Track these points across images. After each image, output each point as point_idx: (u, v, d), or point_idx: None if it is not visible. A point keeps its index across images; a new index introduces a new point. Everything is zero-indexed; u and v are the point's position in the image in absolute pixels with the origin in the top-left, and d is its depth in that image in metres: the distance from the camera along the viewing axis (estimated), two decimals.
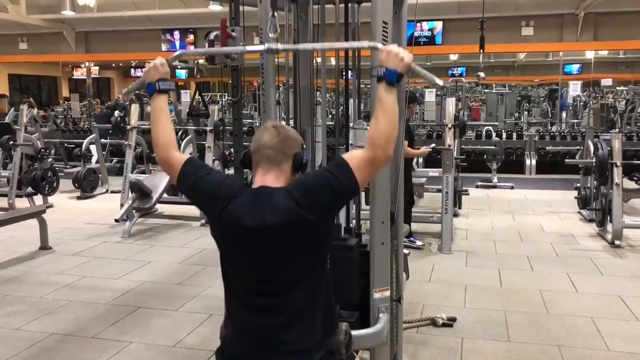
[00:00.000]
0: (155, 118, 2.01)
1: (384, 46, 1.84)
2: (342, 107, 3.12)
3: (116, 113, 10.20)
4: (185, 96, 13.33)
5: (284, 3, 2.84)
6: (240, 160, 1.97)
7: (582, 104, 14.73)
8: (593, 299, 4.62)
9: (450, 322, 4.09)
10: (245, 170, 1.93)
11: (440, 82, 2.01)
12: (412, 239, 6.02)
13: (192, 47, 15.69)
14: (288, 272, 1.78)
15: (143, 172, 9.57)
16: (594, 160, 6.84)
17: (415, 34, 12.69)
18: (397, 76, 1.77)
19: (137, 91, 16.14)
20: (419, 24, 13.58)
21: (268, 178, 1.81)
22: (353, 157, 1.79)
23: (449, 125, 6.57)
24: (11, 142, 8.20)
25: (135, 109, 8.63)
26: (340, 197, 1.83)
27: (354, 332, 2.16)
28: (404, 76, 1.83)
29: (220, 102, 15.43)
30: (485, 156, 10.54)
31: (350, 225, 2.97)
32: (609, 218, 6.42)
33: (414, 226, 6.20)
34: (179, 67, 24.35)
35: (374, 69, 1.83)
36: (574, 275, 5.18)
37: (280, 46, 2.09)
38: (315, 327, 1.81)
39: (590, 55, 17.40)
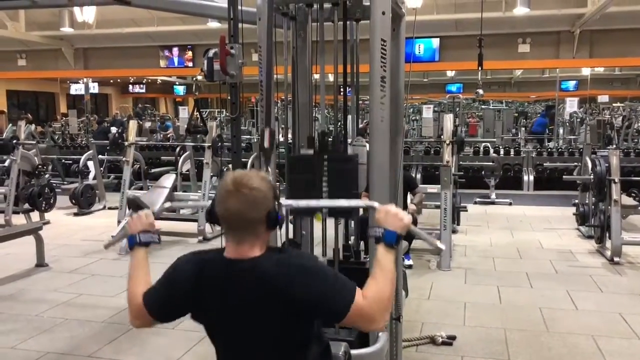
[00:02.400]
0: (132, 271, 1.90)
1: (382, 206, 1.80)
2: (340, 124, 3.11)
3: (113, 129, 10.21)
4: (184, 112, 13.39)
5: (282, 21, 2.85)
6: (207, 214, 1.84)
7: (578, 120, 14.79)
8: (593, 317, 4.59)
9: (449, 341, 4.06)
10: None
11: (442, 245, 1.94)
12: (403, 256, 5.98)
13: (190, 64, 15.76)
14: (273, 350, 1.70)
15: (141, 189, 9.54)
16: (592, 176, 6.84)
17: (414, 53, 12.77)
18: (397, 238, 1.72)
19: (136, 109, 16.19)
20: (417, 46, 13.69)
21: (243, 248, 1.68)
22: (361, 295, 1.65)
23: (447, 142, 6.58)
24: (15, 142, 8.14)
25: (133, 125, 8.63)
26: (324, 301, 1.64)
27: (353, 352, 2.13)
28: (402, 238, 1.77)
29: (219, 119, 15.47)
30: (483, 172, 10.55)
31: (349, 242, 2.95)
32: (607, 235, 6.40)
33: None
34: (177, 83, 24.48)
35: (372, 230, 1.77)
36: (573, 293, 5.16)
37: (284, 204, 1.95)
38: None
39: (586, 72, 17.54)
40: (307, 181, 2.68)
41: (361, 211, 3.03)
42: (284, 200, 2.17)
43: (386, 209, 1.77)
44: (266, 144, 2.60)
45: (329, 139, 2.76)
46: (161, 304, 1.79)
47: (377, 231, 1.74)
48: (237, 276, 1.66)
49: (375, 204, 1.89)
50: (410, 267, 5.83)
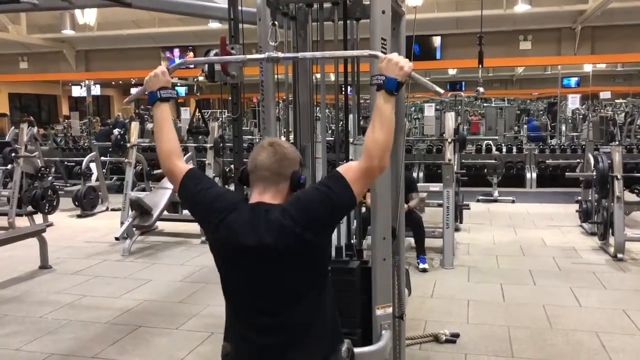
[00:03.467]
0: (158, 127, 2.01)
1: (384, 55, 1.84)
2: (341, 123, 3.11)
3: (115, 131, 10.22)
4: (185, 113, 13.38)
5: (283, 21, 2.85)
6: (238, 178, 1.95)
7: (581, 117, 14.75)
8: (597, 313, 4.59)
9: (453, 338, 4.06)
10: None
11: (441, 90, 2.02)
12: (418, 260, 5.95)
13: (191, 65, 15.74)
14: (286, 290, 1.76)
15: (143, 190, 9.55)
16: (594, 173, 6.83)
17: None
18: (397, 85, 1.77)
19: (138, 110, 16.24)
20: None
21: (265, 196, 1.79)
22: (348, 169, 1.78)
23: (449, 140, 6.58)
24: (13, 155, 8.17)
25: (135, 126, 8.64)
26: (338, 211, 1.81)
27: (357, 350, 2.14)
28: (404, 85, 1.83)
29: (220, 119, 15.48)
30: (485, 170, 10.54)
31: (352, 241, 2.95)
32: (610, 231, 6.39)
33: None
34: (178, 84, 24.47)
35: (374, 78, 1.83)
36: (577, 290, 5.15)
37: (280, 55, 2.09)
38: (317, 346, 1.78)
39: (588, 68, 17.48)
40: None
41: (363, 209, 3.04)
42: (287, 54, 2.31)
43: (388, 57, 1.81)
44: None
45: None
46: (193, 189, 1.89)
47: (378, 79, 1.79)
48: (254, 218, 1.74)
49: (378, 53, 1.93)
50: (425, 270, 5.78)
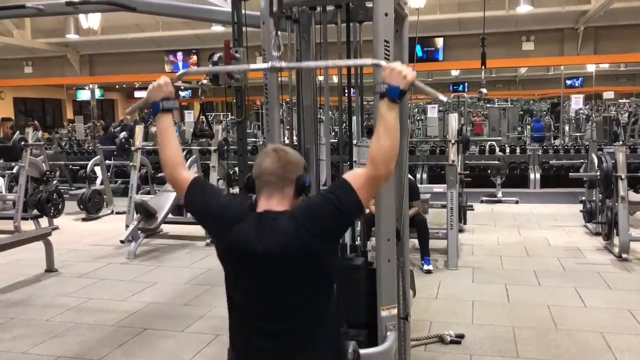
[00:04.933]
0: (161, 137, 2.03)
1: (387, 63, 1.86)
2: (345, 125, 3.13)
3: (122, 135, 10.24)
4: (189, 116, 13.40)
5: (286, 24, 2.87)
6: (244, 185, 1.96)
7: (584, 117, 14.72)
8: (602, 314, 4.58)
9: (458, 339, 4.06)
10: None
11: (444, 98, 2.03)
12: (422, 261, 5.95)
13: (194, 67, 15.78)
14: (293, 297, 1.77)
15: (148, 193, 9.59)
16: (598, 173, 6.82)
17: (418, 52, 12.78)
18: (400, 93, 1.78)
19: (142, 113, 16.28)
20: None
21: (271, 203, 1.80)
22: (354, 176, 1.80)
23: (452, 141, 6.58)
24: (24, 144, 8.21)
25: (139, 130, 8.67)
26: (346, 218, 1.82)
27: (362, 351, 2.15)
28: (407, 93, 1.85)
29: (224, 122, 15.50)
30: (489, 171, 10.53)
31: (356, 242, 2.97)
32: (615, 231, 6.38)
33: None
34: (182, 87, 24.51)
35: (377, 86, 1.85)
36: (581, 290, 5.15)
37: (283, 64, 2.11)
38: (323, 349, 1.80)
39: (591, 68, 17.44)
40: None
41: (367, 210, 3.05)
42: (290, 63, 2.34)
43: (391, 66, 1.82)
44: None
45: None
46: (199, 200, 1.92)
47: (381, 87, 1.80)
48: (262, 226, 1.76)
49: (382, 62, 1.94)
50: (429, 271, 5.78)
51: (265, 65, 2.12)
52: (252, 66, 2.35)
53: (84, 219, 9.23)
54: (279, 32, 2.33)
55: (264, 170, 1.81)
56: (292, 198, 1.82)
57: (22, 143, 8.23)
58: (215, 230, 1.85)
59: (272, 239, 1.73)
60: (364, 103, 3.39)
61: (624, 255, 6.10)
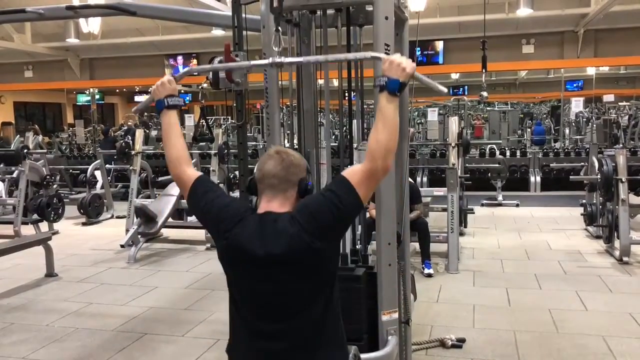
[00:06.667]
0: (166, 134, 2.02)
1: (387, 56, 1.85)
2: (345, 128, 3.13)
3: (127, 138, 10.25)
4: (189, 120, 13.42)
5: (286, 27, 2.87)
6: (246, 187, 1.95)
7: (585, 120, 14.73)
8: (603, 317, 4.57)
9: (459, 343, 4.05)
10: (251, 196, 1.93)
11: (444, 89, 2.03)
12: (423, 265, 5.94)
13: (197, 66, 15.78)
14: (294, 298, 1.77)
15: (148, 197, 9.58)
16: (598, 176, 6.82)
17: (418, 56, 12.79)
18: (399, 85, 1.77)
19: (143, 116, 16.27)
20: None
21: (273, 205, 1.80)
22: (353, 172, 1.79)
23: (453, 144, 6.58)
24: (25, 151, 8.20)
25: (139, 134, 8.67)
26: (346, 215, 1.80)
27: (363, 356, 2.14)
28: (406, 86, 1.84)
29: (224, 126, 15.51)
30: (489, 174, 10.52)
31: (357, 247, 2.96)
32: (616, 234, 6.38)
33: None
34: (182, 90, 24.54)
35: (377, 79, 1.83)
36: (582, 293, 5.14)
37: (284, 60, 2.11)
38: (324, 352, 1.79)
39: (591, 71, 17.46)
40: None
41: (367, 215, 3.05)
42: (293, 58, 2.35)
43: (390, 59, 1.81)
44: None
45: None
46: (201, 199, 1.90)
47: (381, 80, 1.79)
48: (262, 227, 1.75)
49: (381, 55, 1.93)
50: (430, 275, 5.77)
51: (266, 61, 2.12)
52: (254, 62, 2.35)
53: (84, 224, 9.23)
54: (279, 28, 2.33)
55: (267, 173, 1.80)
56: (294, 200, 1.81)
57: (25, 151, 8.21)
58: (216, 230, 1.83)
59: (273, 241, 1.72)
60: (365, 106, 3.39)
61: (625, 259, 6.09)
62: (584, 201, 7.89)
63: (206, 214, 1.88)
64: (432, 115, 12.98)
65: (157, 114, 2.07)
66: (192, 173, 1.96)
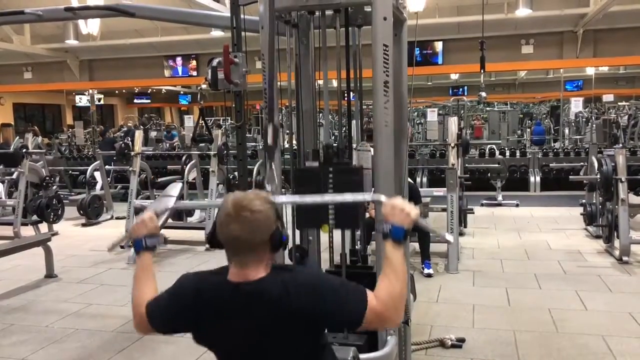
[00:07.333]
0: (137, 277, 1.88)
1: (388, 200, 1.79)
2: (344, 129, 3.13)
3: (126, 139, 10.27)
4: (189, 121, 13.43)
5: (285, 29, 2.87)
6: (209, 241, 1.84)
7: (584, 120, 14.74)
8: (603, 317, 4.57)
9: (459, 343, 4.05)
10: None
11: (450, 237, 1.97)
12: (423, 265, 5.94)
13: (194, 73, 15.81)
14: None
15: (148, 198, 9.58)
16: (598, 176, 6.82)
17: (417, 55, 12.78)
18: (404, 233, 1.72)
19: (143, 118, 16.23)
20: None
21: (247, 272, 1.65)
22: (373, 297, 1.65)
23: (452, 144, 6.58)
24: (25, 151, 8.20)
25: (139, 135, 8.67)
26: (338, 314, 1.65)
27: (363, 356, 2.14)
28: (410, 232, 1.76)
29: (224, 127, 15.52)
30: (489, 174, 10.53)
31: (356, 247, 2.96)
32: (615, 234, 6.38)
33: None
34: (182, 92, 24.57)
35: (379, 225, 1.78)
36: (582, 293, 5.14)
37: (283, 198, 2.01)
38: None
39: (590, 71, 17.47)
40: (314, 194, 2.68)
41: (366, 215, 3.05)
42: (288, 197, 2.17)
43: (392, 203, 1.75)
44: (270, 141, 2.61)
45: (334, 149, 2.77)
46: (162, 318, 1.79)
47: (384, 227, 1.72)
48: (243, 301, 1.63)
49: (382, 198, 1.88)
50: (430, 275, 5.77)
51: None
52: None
53: (83, 225, 9.23)
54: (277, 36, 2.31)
55: (232, 239, 1.64)
56: (267, 257, 1.68)
57: (24, 152, 8.21)
58: (187, 324, 1.75)
59: (251, 314, 1.62)
60: (364, 107, 3.39)
61: (625, 258, 6.09)
62: (583, 201, 7.90)
63: (169, 320, 1.79)
64: (432, 115, 12.99)
65: (135, 254, 1.93)
66: (143, 308, 1.81)
